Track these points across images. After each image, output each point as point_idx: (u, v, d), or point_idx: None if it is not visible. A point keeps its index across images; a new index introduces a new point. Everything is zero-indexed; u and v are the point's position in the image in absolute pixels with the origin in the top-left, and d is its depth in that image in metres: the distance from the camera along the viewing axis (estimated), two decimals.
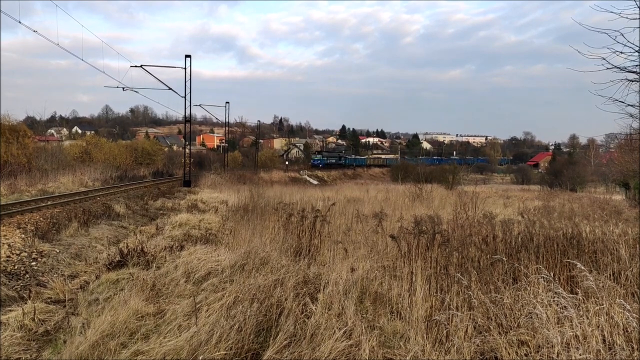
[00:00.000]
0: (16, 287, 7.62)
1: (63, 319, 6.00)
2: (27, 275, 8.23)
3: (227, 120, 64.39)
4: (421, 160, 77.15)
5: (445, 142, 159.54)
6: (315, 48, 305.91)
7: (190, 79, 35.67)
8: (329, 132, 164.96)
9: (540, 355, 4.43)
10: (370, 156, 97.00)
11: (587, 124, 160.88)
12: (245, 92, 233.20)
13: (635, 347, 4.46)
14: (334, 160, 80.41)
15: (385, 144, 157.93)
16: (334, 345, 4.56)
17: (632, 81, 7.56)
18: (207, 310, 5.40)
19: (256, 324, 4.99)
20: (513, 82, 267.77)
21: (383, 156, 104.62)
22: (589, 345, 4.36)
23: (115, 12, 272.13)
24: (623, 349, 4.40)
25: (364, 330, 4.89)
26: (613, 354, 4.34)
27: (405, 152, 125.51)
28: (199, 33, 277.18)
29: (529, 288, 5.64)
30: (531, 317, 4.86)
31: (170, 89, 36.16)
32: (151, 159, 51.74)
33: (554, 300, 5.06)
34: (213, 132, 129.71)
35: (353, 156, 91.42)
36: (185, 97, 35.92)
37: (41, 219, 12.63)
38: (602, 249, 7.81)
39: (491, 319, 5.11)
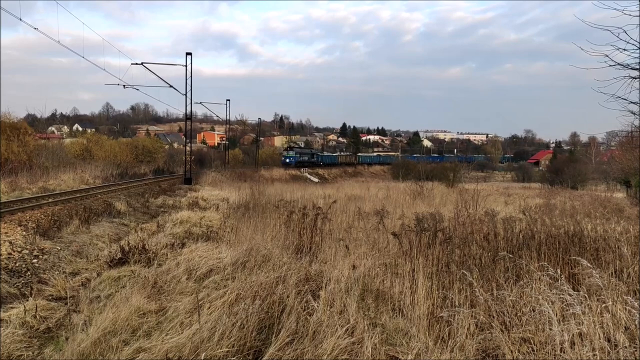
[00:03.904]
0: (17, 284, 7.62)
1: (65, 316, 6.00)
2: (29, 273, 8.23)
3: (227, 117, 64.27)
4: (417, 158, 75.74)
5: (446, 139, 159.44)
6: (315, 46, 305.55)
7: (191, 76, 35.74)
8: (330, 130, 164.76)
9: (544, 353, 4.42)
10: (341, 154, 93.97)
11: (588, 121, 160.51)
12: (246, 90, 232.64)
13: (638, 344, 4.45)
14: (306, 158, 75.42)
15: (386, 142, 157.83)
16: (336, 342, 4.55)
17: (635, 78, 7.52)
18: (209, 308, 5.40)
19: (258, 321, 4.98)
20: (513, 80, 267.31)
21: (363, 154, 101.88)
22: (592, 343, 4.35)
23: (116, 10, 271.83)
24: (626, 346, 4.39)
25: (366, 328, 4.88)
26: (617, 351, 4.33)
27: (406, 149, 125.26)
28: (200, 31, 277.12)
29: (532, 285, 5.63)
30: (535, 315, 4.85)
31: (171, 86, 36.15)
32: (152, 157, 51.69)
33: (559, 298, 5.05)
34: (214, 130, 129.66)
35: (326, 154, 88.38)
36: (186, 94, 35.94)
37: (42, 216, 12.63)
38: (604, 247, 7.81)
39: (493, 317, 5.10)
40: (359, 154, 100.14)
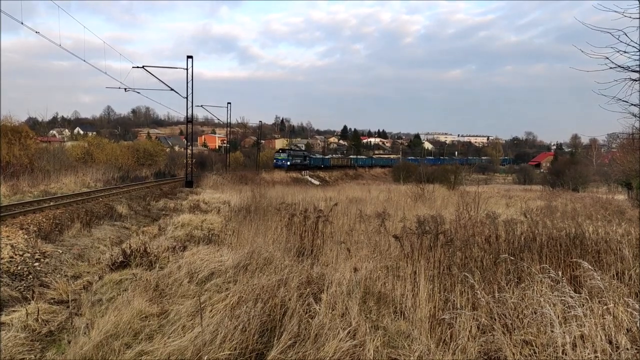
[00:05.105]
0: (19, 287, 7.63)
1: (67, 319, 6.00)
2: (30, 276, 8.24)
3: (228, 120, 64.07)
4: (417, 161, 74.98)
5: (447, 142, 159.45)
6: (316, 48, 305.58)
7: (192, 79, 35.73)
8: (331, 133, 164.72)
9: (545, 355, 4.42)
10: (333, 156, 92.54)
11: (589, 123, 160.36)
12: (247, 93, 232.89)
13: None
14: (299, 161, 72.17)
15: (387, 144, 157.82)
16: (338, 345, 4.55)
17: (635, 80, 7.53)
18: (211, 311, 5.40)
19: (260, 324, 4.99)
20: (514, 81, 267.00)
21: (357, 156, 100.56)
22: (593, 345, 4.35)
23: (118, 13, 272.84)
24: (628, 348, 4.39)
25: (368, 330, 4.89)
26: (618, 353, 4.33)
27: (407, 152, 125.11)
28: (201, 33, 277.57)
29: (534, 287, 5.63)
30: (536, 317, 4.85)
31: (172, 89, 36.17)
32: (153, 160, 51.79)
33: (560, 300, 5.05)
34: (215, 133, 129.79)
35: (319, 156, 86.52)
36: (187, 97, 35.95)
37: (44, 219, 12.65)
38: (606, 249, 7.82)
39: (495, 319, 5.11)
40: (351, 156, 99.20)
